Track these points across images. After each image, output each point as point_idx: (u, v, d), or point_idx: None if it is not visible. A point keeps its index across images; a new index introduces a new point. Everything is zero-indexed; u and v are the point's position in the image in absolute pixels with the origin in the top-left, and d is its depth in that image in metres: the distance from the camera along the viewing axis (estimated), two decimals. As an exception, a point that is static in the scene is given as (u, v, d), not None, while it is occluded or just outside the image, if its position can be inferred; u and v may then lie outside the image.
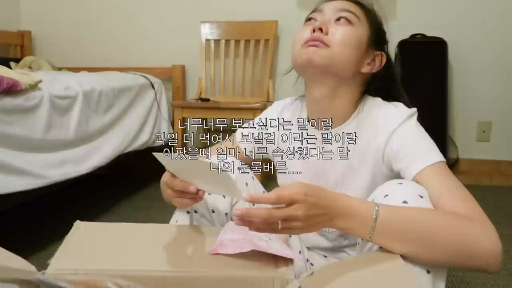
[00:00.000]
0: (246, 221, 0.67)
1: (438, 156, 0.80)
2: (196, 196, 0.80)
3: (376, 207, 0.70)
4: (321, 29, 0.87)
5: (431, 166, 0.79)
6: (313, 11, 0.95)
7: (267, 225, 0.68)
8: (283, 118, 1.03)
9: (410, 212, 0.72)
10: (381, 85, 0.95)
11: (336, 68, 0.88)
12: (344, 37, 0.87)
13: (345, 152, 0.93)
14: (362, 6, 0.94)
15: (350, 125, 0.92)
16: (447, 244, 0.69)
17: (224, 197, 0.94)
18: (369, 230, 0.70)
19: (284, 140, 1.03)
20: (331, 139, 0.93)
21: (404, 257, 0.70)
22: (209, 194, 0.93)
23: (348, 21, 0.89)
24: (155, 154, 0.76)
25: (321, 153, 0.95)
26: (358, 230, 0.71)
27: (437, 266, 0.71)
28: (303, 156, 0.98)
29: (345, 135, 0.92)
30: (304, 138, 0.99)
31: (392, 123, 0.86)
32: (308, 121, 0.98)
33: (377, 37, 0.93)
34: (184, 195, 0.81)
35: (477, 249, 0.69)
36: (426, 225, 0.70)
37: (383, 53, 0.94)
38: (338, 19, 0.89)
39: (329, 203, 0.70)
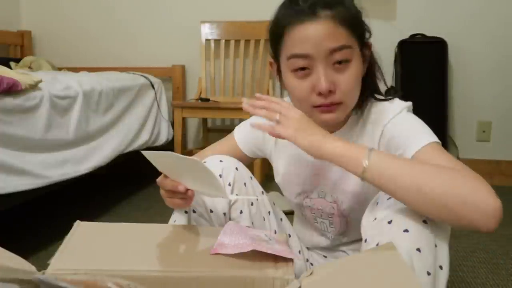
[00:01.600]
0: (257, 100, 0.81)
1: (431, 137, 0.80)
2: (185, 196, 0.81)
3: (370, 149, 0.73)
4: (331, 90, 0.81)
5: (425, 146, 0.78)
6: (295, 55, 0.82)
7: (270, 111, 0.79)
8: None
9: (405, 159, 0.74)
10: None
11: (351, 109, 0.88)
12: (352, 84, 0.82)
13: None
14: (341, 21, 0.81)
15: (347, 127, 0.93)
16: (441, 188, 0.67)
17: (222, 197, 0.94)
18: (362, 163, 0.71)
19: (280, 142, 1.02)
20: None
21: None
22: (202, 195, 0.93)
23: (347, 61, 0.82)
24: (144, 152, 0.78)
25: None
26: (350, 164, 0.73)
27: (430, 215, 0.70)
28: (300, 160, 0.98)
29: (343, 136, 0.92)
30: None
31: (386, 116, 0.87)
32: None
33: (363, 37, 0.87)
34: (175, 195, 0.83)
35: (473, 196, 0.66)
36: (421, 170, 0.70)
37: (369, 42, 0.89)
38: (334, 63, 0.81)
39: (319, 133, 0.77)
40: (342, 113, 0.85)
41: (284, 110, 0.79)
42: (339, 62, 0.81)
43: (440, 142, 0.81)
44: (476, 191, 0.67)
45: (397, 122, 0.86)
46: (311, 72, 0.82)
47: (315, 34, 0.80)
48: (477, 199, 0.66)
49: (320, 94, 0.81)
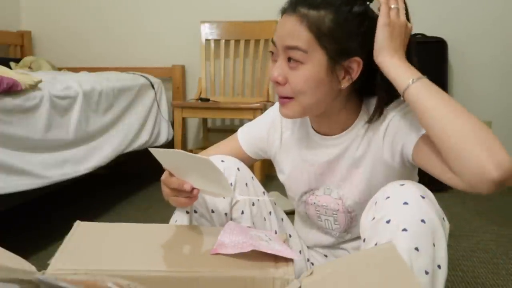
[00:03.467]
0: None
1: None
2: (191, 194, 0.81)
3: (413, 78, 0.78)
4: (278, 82, 0.85)
5: (426, 134, 0.79)
6: (272, 40, 0.88)
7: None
8: (284, 121, 1.03)
9: (444, 96, 0.77)
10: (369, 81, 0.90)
11: (312, 110, 0.88)
12: (301, 84, 0.83)
13: (347, 155, 0.93)
14: (310, 24, 0.80)
15: (353, 130, 0.92)
16: (470, 124, 0.71)
17: (224, 197, 0.94)
18: (409, 78, 0.77)
19: (286, 142, 1.03)
20: (333, 144, 0.94)
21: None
22: (204, 195, 0.93)
23: (298, 61, 0.82)
24: (151, 149, 0.78)
25: (324, 156, 0.96)
26: (400, 75, 0.79)
27: (446, 154, 0.73)
28: (305, 160, 0.99)
29: (346, 140, 0.92)
30: (307, 142, 0.99)
31: (390, 114, 0.87)
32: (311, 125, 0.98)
33: (339, 50, 0.81)
34: (180, 193, 0.82)
35: (493, 144, 0.69)
36: (456, 103, 0.75)
37: (356, 58, 0.82)
38: (289, 59, 0.84)
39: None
40: (296, 109, 0.87)
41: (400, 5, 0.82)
42: (292, 61, 0.84)
43: None
44: (495, 141, 0.69)
45: (398, 116, 0.86)
46: (276, 60, 0.87)
47: (283, 26, 0.84)
48: (494, 145, 0.68)
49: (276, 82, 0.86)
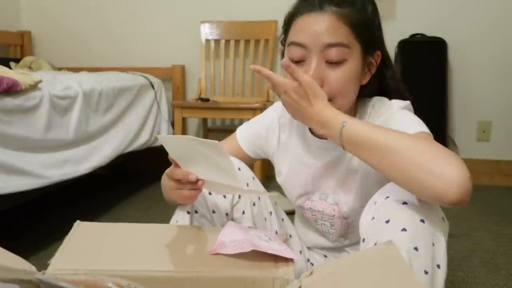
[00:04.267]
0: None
1: (422, 128, 0.80)
2: (195, 186, 0.79)
3: (346, 120, 0.75)
4: None
5: (415, 134, 0.78)
6: (294, 43, 0.84)
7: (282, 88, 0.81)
8: (281, 122, 1.03)
9: (375, 127, 0.74)
10: (376, 83, 0.93)
11: (343, 108, 0.86)
12: (343, 83, 0.83)
13: (345, 158, 0.93)
14: (346, 20, 0.81)
15: None
16: (408, 157, 0.68)
17: (224, 197, 0.94)
18: (339, 137, 0.75)
19: (283, 143, 1.02)
20: (331, 147, 0.94)
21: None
22: (210, 194, 0.93)
23: (340, 60, 0.81)
24: (159, 136, 0.76)
25: (321, 159, 0.96)
26: (333, 138, 0.77)
27: (396, 182, 0.71)
28: (302, 162, 0.98)
29: None
30: (304, 144, 0.99)
31: (383, 112, 0.88)
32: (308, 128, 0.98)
33: (369, 44, 0.86)
34: (184, 185, 0.81)
35: (439, 166, 0.65)
36: (388, 137, 0.71)
37: (378, 52, 0.88)
38: (328, 59, 0.82)
39: (312, 105, 0.79)
40: None
41: (309, 91, 0.79)
42: (333, 60, 0.82)
43: (432, 135, 0.80)
44: (443, 161, 0.66)
45: (390, 116, 0.86)
46: (305, 63, 0.84)
47: (315, 25, 0.81)
48: (443, 168, 0.65)
49: None
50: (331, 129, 0.77)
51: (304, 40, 0.82)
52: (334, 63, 0.82)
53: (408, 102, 0.89)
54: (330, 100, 0.82)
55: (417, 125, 0.81)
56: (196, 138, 0.74)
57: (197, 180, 0.78)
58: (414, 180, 0.68)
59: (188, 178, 0.78)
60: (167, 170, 0.84)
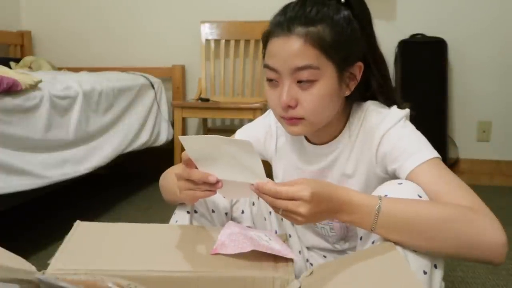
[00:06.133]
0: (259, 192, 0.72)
1: (431, 153, 0.80)
2: (213, 188, 0.77)
3: (379, 201, 0.72)
4: (290, 106, 0.82)
5: (425, 163, 0.78)
6: (267, 66, 0.84)
7: (273, 207, 0.73)
8: (278, 127, 1.02)
9: (412, 205, 0.72)
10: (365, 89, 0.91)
11: (321, 125, 0.86)
12: (315, 103, 0.82)
13: (339, 163, 0.93)
14: (314, 42, 0.79)
15: (343, 137, 0.92)
16: (450, 236, 0.69)
17: (224, 197, 0.94)
18: (371, 223, 0.71)
19: (280, 149, 1.02)
20: (324, 153, 0.94)
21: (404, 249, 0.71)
22: (224, 197, 0.92)
23: (310, 81, 0.80)
24: (181, 137, 0.73)
25: (315, 164, 0.95)
26: (361, 223, 0.73)
27: (442, 257, 0.73)
28: (298, 167, 0.98)
29: (338, 148, 0.92)
30: (300, 150, 0.98)
31: (384, 126, 0.85)
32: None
33: (345, 59, 0.83)
34: (198, 186, 0.77)
35: (481, 240, 0.69)
36: (428, 218, 0.70)
37: (358, 64, 0.85)
38: (299, 81, 0.81)
39: (333, 201, 0.72)
40: (307, 128, 0.85)
41: (290, 206, 0.70)
42: (304, 83, 0.81)
43: (440, 157, 0.80)
44: (483, 233, 0.69)
45: (394, 133, 0.84)
46: (279, 85, 0.83)
47: (283, 51, 0.81)
48: (485, 242, 0.69)
49: (284, 106, 0.82)
50: (359, 213, 0.73)
51: (275, 66, 0.82)
52: (306, 83, 0.81)
53: (407, 111, 0.88)
54: (302, 118, 0.83)
55: (427, 150, 0.80)
56: (225, 137, 0.72)
57: (217, 182, 0.75)
58: (459, 256, 0.72)
59: (207, 179, 0.75)
60: (178, 171, 0.80)
